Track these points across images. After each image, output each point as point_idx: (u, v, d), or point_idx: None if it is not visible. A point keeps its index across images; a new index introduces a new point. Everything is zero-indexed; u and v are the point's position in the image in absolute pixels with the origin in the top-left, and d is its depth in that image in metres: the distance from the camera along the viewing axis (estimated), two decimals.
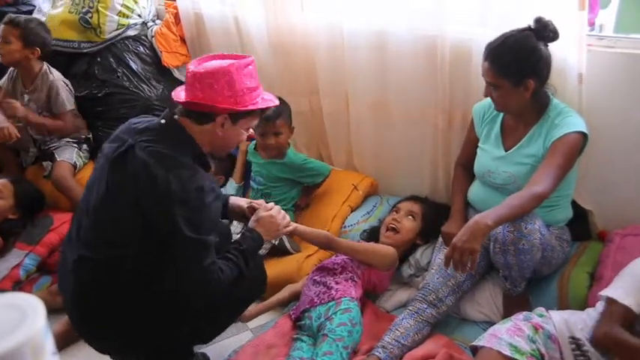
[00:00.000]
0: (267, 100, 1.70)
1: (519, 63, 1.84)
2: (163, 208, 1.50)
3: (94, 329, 1.67)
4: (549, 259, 1.95)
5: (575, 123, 1.88)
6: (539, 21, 1.84)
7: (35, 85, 2.86)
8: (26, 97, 2.88)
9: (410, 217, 2.26)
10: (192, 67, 1.62)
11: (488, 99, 1.99)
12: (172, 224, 1.50)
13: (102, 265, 1.58)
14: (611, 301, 1.53)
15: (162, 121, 1.67)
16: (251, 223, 1.82)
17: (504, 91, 1.87)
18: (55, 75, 2.90)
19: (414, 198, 2.39)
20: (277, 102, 1.75)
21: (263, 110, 1.71)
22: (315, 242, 2.14)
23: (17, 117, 2.75)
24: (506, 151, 2.03)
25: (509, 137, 2.04)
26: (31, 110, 2.82)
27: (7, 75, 2.96)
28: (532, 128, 1.96)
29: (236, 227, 2.39)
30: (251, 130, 1.82)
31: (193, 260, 1.53)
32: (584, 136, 1.87)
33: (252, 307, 2.09)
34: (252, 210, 1.89)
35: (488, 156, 2.07)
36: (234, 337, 2.16)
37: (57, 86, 2.86)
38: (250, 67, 1.64)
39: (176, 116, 1.66)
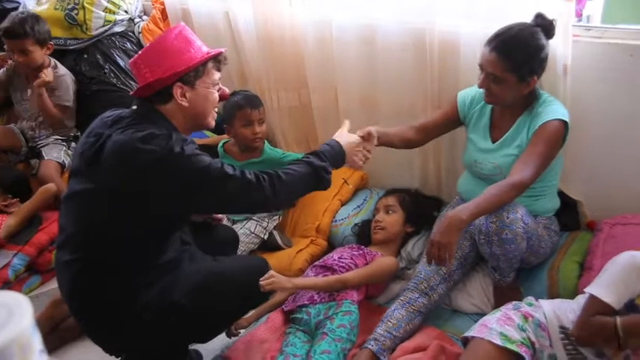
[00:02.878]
0: (212, 50, 1.65)
1: (530, 60, 1.81)
2: (159, 174, 1.48)
3: (93, 323, 1.65)
4: (536, 248, 1.96)
5: (556, 111, 1.86)
6: (543, 17, 1.81)
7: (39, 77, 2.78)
8: (29, 91, 2.86)
9: (389, 211, 2.30)
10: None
11: (475, 88, 1.98)
12: (176, 183, 1.49)
13: (100, 256, 1.57)
14: (592, 298, 1.54)
15: (134, 107, 1.66)
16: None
17: (507, 86, 1.83)
18: (62, 70, 2.88)
19: (387, 192, 2.44)
20: (223, 50, 1.69)
21: (219, 62, 1.66)
22: (328, 290, 2.04)
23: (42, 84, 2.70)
24: (493, 142, 2.03)
25: (497, 129, 2.03)
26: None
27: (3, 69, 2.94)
28: (518, 120, 1.96)
29: (243, 227, 2.39)
30: (225, 89, 1.78)
31: (229, 191, 1.53)
32: (565, 124, 1.86)
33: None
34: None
35: (476, 147, 2.07)
36: None
37: (66, 82, 2.86)
38: (180, 31, 1.61)
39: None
